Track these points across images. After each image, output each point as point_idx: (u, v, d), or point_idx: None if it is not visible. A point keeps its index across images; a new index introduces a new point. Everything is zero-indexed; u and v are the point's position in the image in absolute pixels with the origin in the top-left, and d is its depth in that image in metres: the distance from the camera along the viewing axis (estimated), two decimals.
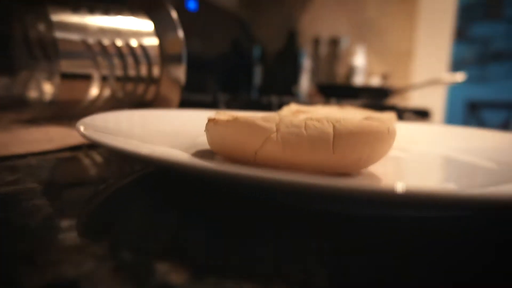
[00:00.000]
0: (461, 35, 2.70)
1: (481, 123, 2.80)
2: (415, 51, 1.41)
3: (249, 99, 0.72)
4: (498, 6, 2.67)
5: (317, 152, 0.18)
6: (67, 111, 0.39)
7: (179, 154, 0.21)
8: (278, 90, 1.32)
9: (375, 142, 0.19)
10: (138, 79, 0.42)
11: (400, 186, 0.11)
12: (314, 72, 1.43)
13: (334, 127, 0.18)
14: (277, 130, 0.18)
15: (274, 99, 0.61)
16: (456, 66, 2.45)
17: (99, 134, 0.18)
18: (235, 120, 0.19)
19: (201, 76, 1.02)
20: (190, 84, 0.94)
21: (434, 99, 1.40)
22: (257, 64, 1.38)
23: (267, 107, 0.60)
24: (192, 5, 0.95)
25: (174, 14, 0.45)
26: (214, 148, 0.21)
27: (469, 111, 2.85)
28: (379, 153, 0.20)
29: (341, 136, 0.18)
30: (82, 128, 0.19)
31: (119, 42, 0.39)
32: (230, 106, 0.60)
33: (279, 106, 0.58)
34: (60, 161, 0.26)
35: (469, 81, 1.85)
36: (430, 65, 1.40)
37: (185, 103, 0.56)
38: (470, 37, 2.77)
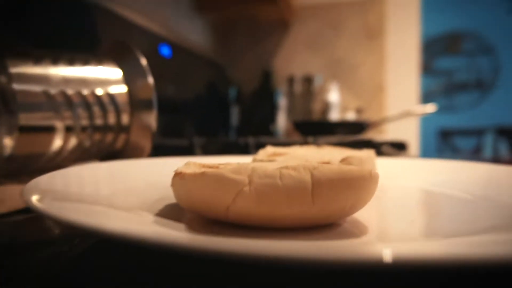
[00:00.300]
0: (427, 68, 2.85)
1: (454, 150, 2.91)
2: (386, 85, 1.46)
3: (226, 141, 0.70)
4: (457, 41, 2.86)
5: (295, 204, 0.16)
6: (28, 166, 0.36)
7: (142, 222, 0.19)
8: (255, 129, 1.32)
9: (357, 189, 0.17)
10: (106, 128, 0.40)
11: (388, 254, 0.09)
12: (290, 110, 1.44)
13: (312, 175, 0.17)
14: (250, 182, 0.16)
15: (251, 140, 0.59)
16: (425, 97, 2.56)
17: (46, 204, 0.16)
18: (203, 174, 0.17)
19: (177, 121, 1.01)
20: (167, 129, 0.92)
21: (409, 130, 1.44)
22: (234, 105, 1.38)
23: (244, 149, 0.58)
24: (165, 51, 0.96)
25: (143, 61, 0.44)
26: (182, 204, 0.19)
27: (442, 139, 2.96)
28: (363, 200, 0.18)
29: (321, 185, 0.17)
30: (34, 199, 0.16)
31: (84, 91, 0.38)
32: (206, 149, 0.58)
33: (256, 147, 0.57)
34: (15, 224, 0.24)
35: (439, 111, 1.93)
36: (402, 98, 1.45)
37: (161, 149, 0.54)
38: (435, 70, 2.93)
